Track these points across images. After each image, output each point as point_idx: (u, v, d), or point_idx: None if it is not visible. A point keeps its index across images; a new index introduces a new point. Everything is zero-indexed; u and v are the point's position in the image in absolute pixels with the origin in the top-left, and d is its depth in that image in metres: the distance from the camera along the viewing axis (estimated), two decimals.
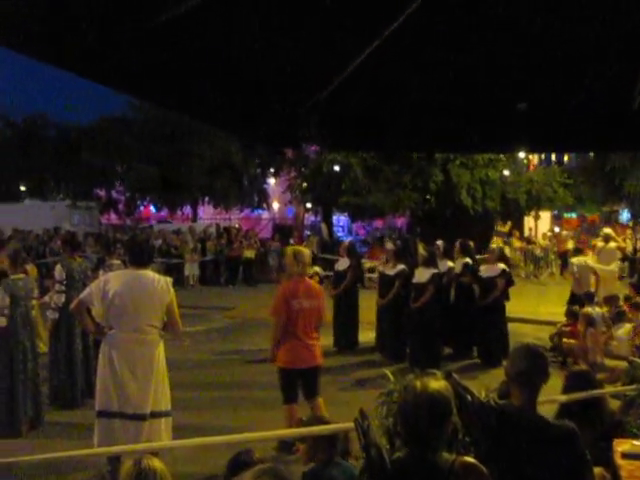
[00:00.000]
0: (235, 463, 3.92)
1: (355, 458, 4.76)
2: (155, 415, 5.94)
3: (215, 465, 6.18)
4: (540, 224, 35.59)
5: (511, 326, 12.25)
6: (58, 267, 9.23)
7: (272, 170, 40.44)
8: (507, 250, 19.59)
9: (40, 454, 6.17)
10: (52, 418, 8.40)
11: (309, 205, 31.20)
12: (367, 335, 12.92)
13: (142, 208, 42.93)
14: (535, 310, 16.27)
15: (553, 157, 40.97)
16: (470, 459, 3.02)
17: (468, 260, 12.16)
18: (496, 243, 23.00)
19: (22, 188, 38.78)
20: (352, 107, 6.08)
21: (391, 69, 4.69)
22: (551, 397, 4.98)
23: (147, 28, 2.64)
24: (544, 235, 30.90)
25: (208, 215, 42.52)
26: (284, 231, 32.50)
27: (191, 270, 24.74)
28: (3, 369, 7.86)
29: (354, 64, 4.27)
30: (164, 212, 42.27)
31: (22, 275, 8.28)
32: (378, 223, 38.44)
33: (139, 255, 6.18)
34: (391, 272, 12.10)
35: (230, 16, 2.95)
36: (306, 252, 7.28)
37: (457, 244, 12.50)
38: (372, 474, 3.03)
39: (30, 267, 11.15)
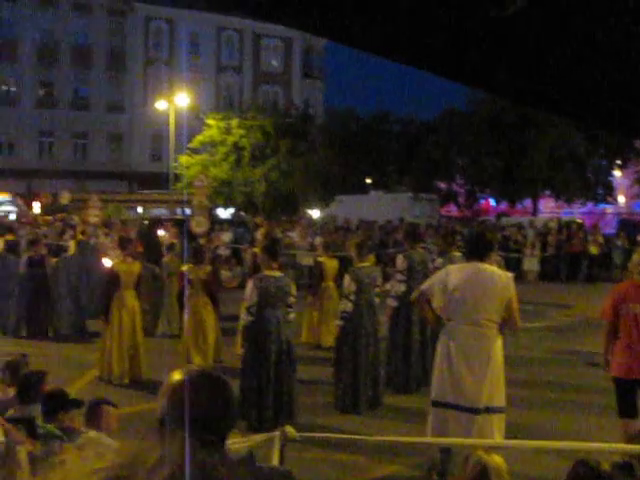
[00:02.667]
0: (575, 476, 3.68)
1: None
2: (489, 410, 5.86)
3: (547, 468, 5.94)
4: None
5: None
6: (400, 257, 9.59)
7: (619, 162, 37.94)
8: None
9: (376, 434, 6.47)
10: (387, 401, 8.76)
11: None
12: None
13: (482, 201, 43.00)
14: None
15: None
16: None
17: None
18: None
19: (368, 181, 41.03)
20: None
21: None
22: None
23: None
24: None
25: (548, 209, 41.24)
26: (631, 227, 30.24)
27: (530, 265, 24.19)
28: (348, 351, 8.38)
29: None
30: (503, 205, 41.88)
31: (367, 263, 8.76)
32: None
33: (479, 248, 6.13)
34: None
35: None
36: None
37: None
38: None
39: (369, 257, 11.74)
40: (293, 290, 7.98)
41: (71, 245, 16.23)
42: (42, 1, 46.67)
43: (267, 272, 7.93)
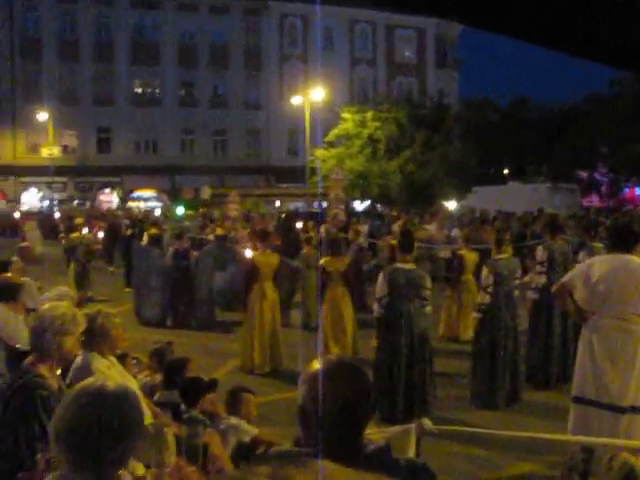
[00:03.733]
0: None
1: None
2: (636, 410, 5.57)
3: None
4: None
5: None
6: (540, 249, 9.32)
7: None
8: None
9: (515, 430, 6.32)
10: (527, 396, 8.55)
11: None
12: None
13: (626, 190, 40.98)
14: None
15: None
16: None
17: None
18: None
19: (505, 171, 40.08)
20: None
21: None
22: None
23: None
24: None
25: None
26: None
27: None
28: (486, 344, 8.23)
29: None
30: None
31: (506, 255, 8.56)
32: None
33: (624, 239, 5.83)
34: None
35: None
36: None
37: None
38: None
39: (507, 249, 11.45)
40: (427, 282, 7.88)
41: (211, 238, 16.85)
42: (181, 6, 48.58)
43: (399, 264, 7.91)
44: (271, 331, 10.28)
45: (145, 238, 16.61)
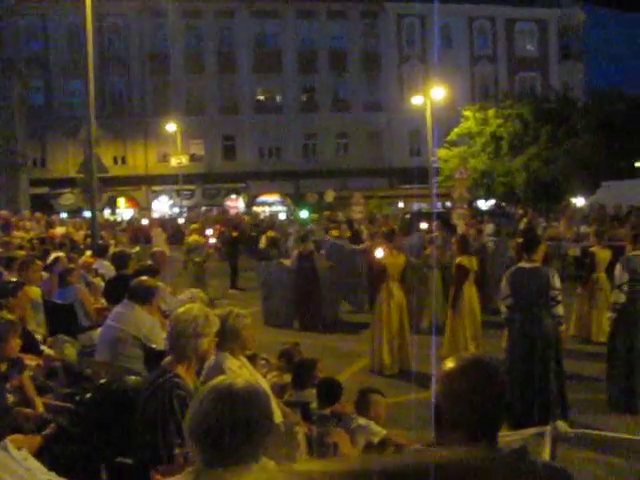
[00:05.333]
0: None
1: None
2: None
3: None
4: None
5: None
6: None
7: None
8: None
9: None
10: None
11: None
12: None
13: None
14: None
15: None
16: None
17: None
18: None
19: (637, 164, 38.25)
20: None
21: None
22: None
23: None
24: None
25: None
26: None
27: None
28: (622, 345, 7.88)
29: None
30: None
31: None
32: None
33: None
34: None
35: None
36: None
37: None
38: None
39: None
40: (556, 282, 7.53)
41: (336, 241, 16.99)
42: (300, 12, 49.37)
43: (522, 264, 7.68)
44: (399, 331, 10.25)
45: (263, 241, 17.02)
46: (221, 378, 2.48)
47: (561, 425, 4.14)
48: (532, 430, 4.51)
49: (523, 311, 7.51)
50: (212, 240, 18.52)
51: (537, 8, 52.36)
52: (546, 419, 6.73)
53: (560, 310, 7.61)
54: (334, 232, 20.68)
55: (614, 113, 36.51)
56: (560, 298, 7.61)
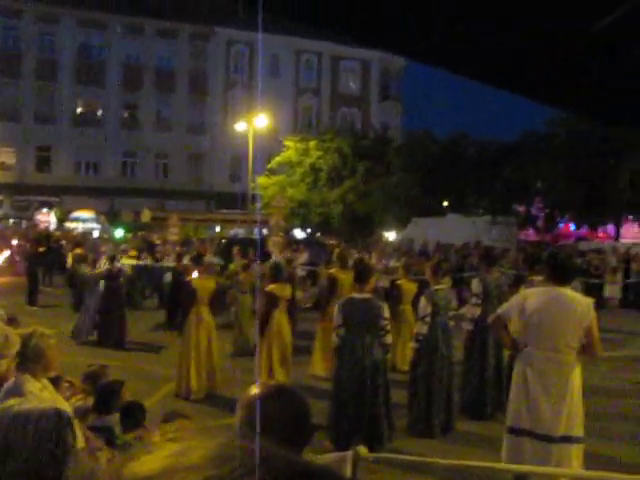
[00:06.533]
0: None
1: None
2: (566, 439, 5.70)
3: None
4: None
5: None
6: (475, 281, 9.49)
7: None
8: None
9: (449, 458, 6.38)
10: (461, 427, 8.63)
11: None
12: None
13: (561, 225, 42.04)
14: None
15: None
16: None
17: None
18: None
19: (445, 203, 40.71)
20: None
21: None
22: None
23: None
24: None
25: (632, 234, 40.00)
26: None
27: (612, 292, 23.48)
28: (423, 374, 8.32)
29: None
30: (584, 230, 40.83)
31: (443, 286, 8.70)
32: None
33: (560, 273, 5.99)
34: None
35: None
36: None
37: None
38: None
39: (445, 280, 11.62)
40: (385, 312, 7.82)
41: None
42: (128, 27, 48.34)
43: (355, 294, 7.92)
44: (207, 356, 10.20)
45: (70, 259, 16.53)
46: (10, 402, 2.37)
47: (361, 449, 4.30)
48: (334, 455, 4.65)
49: (355, 340, 7.70)
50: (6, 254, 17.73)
51: (362, 49, 54.66)
52: (376, 440, 7.03)
53: (389, 339, 7.93)
54: (132, 252, 20.57)
55: (427, 155, 38.76)
56: (389, 328, 7.94)
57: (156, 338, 14.40)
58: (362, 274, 8.09)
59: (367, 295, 7.93)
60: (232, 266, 16.27)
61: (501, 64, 2.83)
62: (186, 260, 16.03)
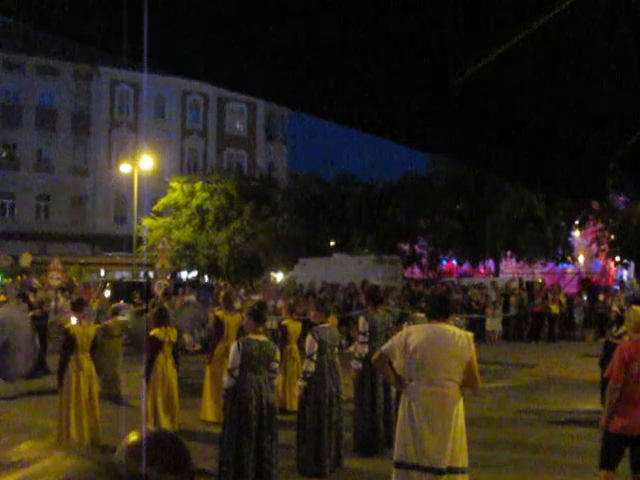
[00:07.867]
0: None
1: None
2: (452, 471, 5.81)
3: None
4: None
5: None
6: (362, 319, 9.60)
7: (577, 222, 38.72)
8: None
9: None
10: (352, 464, 8.65)
11: (618, 259, 29.39)
12: None
13: (445, 262, 43.33)
14: None
15: None
16: None
17: None
18: None
19: (331, 243, 41.20)
20: None
21: None
22: None
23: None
24: None
25: (510, 269, 41.70)
26: (591, 286, 30.91)
27: (493, 325, 24.34)
28: (311, 412, 8.31)
29: None
30: (466, 266, 42.24)
31: (328, 324, 8.77)
32: None
33: (439, 309, 6.17)
34: None
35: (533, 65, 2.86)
36: None
37: None
38: None
39: (331, 319, 11.73)
40: (277, 355, 7.79)
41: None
42: (6, 63, 46.89)
43: (251, 335, 7.84)
44: (88, 404, 9.84)
45: None
46: None
47: None
48: None
49: (250, 381, 7.57)
50: None
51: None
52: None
53: (278, 382, 7.91)
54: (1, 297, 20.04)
55: (313, 196, 39.26)
56: (278, 370, 7.92)
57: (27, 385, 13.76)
58: (257, 315, 8.03)
59: (262, 337, 7.88)
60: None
61: (370, 112, 2.92)
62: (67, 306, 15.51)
